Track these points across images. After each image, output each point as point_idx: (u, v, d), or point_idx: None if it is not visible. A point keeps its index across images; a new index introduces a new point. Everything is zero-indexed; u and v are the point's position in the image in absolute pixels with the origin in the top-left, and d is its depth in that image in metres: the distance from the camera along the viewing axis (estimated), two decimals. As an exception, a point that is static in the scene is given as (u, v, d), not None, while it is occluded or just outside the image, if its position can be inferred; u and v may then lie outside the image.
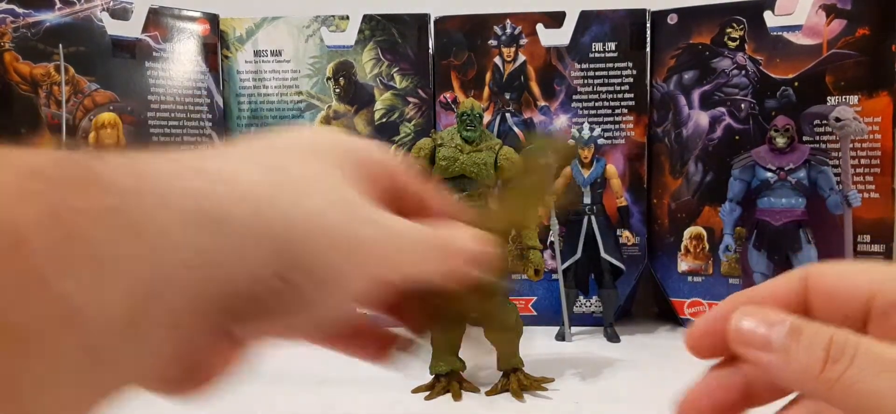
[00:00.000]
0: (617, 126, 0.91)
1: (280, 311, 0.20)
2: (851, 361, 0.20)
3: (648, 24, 0.90)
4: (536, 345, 0.82)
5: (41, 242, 0.15)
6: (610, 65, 0.91)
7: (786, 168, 0.81)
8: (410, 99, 0.94)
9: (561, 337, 0.85)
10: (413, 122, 0.94)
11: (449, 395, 0.65)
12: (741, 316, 0.22)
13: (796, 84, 0.85)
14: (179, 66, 0.88)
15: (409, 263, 0.22)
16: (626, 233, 0.88)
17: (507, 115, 0.93)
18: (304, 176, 0.20)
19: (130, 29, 0.84)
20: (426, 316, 0.25)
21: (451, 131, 0.68)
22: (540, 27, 0.91)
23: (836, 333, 0.20)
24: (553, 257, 0.88)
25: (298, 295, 0.20)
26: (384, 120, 0.94)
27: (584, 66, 0.91)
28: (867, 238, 0.82)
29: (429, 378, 0.66)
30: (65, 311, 0.15)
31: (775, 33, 0.85)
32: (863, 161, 0.82)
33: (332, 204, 0.20)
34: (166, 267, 0.17)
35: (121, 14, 0.84)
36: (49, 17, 0.79)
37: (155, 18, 0.86)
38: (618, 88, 0.91)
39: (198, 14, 0.90)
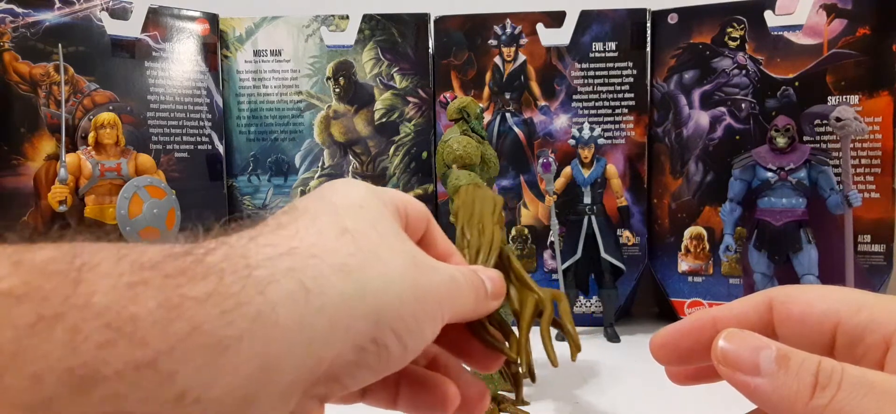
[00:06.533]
0: (617, 126, 0.91)
1: (374, 370, 0.21)
2: (838, 387, 0.20)
3: (649, 24, 0.90)
4: (536, 345, 0.82)
5: (157, 333, 0.16)
6: (610, 64, 0.91)
7: (786, 168, 0.81)
8: (410, 99, 0.94)
9: (561, 337, 0.85)
10: (413, 122, 0.94)
11: None
12: (727, 339, 0.22)
13: (797, 84, 0.85)
14: (179, 65, 0.88)
15: (461, 303, 0.25)
16: (627, 233, 0.88)
17: (508, 114, 0.93)
18: (375, 238, 0.22)
19: (130, 28, 0.84)
20: (463, 343, 0.29)
21: (464, 130, 0.61)
22: (540, 27, 0.91)
23: (823, 361, 0.21)
24: (553, 257, 0.88)
25: (387, 352, 0.21)
26: (384, 120, 0.94)
27: (585, 65, 0.91)
28: (868, 238, 0.82)
29: None
30: (178, 394, 0.16)
31: (776, 33, 0.85)
32: (863, 161, 0.82)
33: (406, 264, 0.22)
34: (277, 345, 0.18)
35: (120, 14, 0.84)
36: (48, 17, 0.79)
37: (154, 18, 0.86)
38: (618, 88, 0.91)
39: (197, 14, 0.90)
